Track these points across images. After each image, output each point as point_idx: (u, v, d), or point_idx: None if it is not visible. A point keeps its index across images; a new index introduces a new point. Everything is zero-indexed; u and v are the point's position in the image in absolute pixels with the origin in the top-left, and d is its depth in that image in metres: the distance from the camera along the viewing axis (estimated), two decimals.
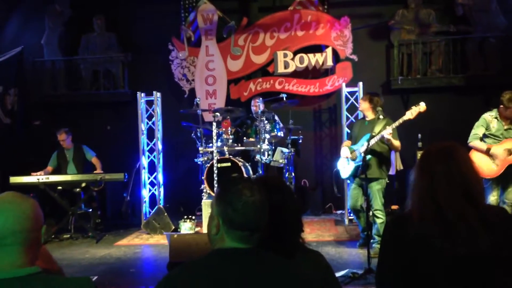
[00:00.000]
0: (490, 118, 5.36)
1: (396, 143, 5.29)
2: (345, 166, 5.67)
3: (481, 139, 5.38)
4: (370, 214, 5.40)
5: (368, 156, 5.16)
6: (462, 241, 1.83)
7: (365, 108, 5.61)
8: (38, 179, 6.80)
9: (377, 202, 5.43)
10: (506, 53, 8.17)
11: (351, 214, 7.51)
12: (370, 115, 5.56)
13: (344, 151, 5.62)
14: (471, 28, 8.37)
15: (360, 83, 7.55)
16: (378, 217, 5.44)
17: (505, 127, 5.29)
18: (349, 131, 7.32)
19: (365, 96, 5.75)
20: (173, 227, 6.90)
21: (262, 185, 2.00)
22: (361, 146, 5.35)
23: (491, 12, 8.21)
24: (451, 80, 8.34)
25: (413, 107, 5.07)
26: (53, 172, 7.32)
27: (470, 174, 1.95)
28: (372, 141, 5.10)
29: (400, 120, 5.08)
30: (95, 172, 7.18)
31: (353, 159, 5.49)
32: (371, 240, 5.38)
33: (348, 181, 6.80)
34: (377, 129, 5.17)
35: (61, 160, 7.46)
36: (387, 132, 5.05)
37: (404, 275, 1.95)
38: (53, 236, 6.86)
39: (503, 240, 1.86)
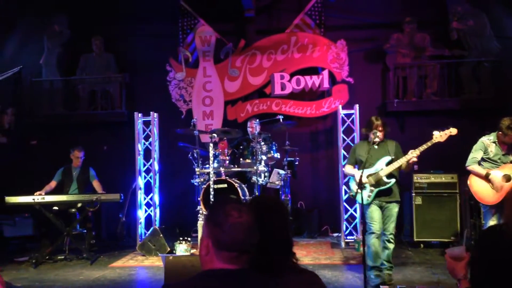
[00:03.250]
0: (488, 142, 5.37)
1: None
2: (361, 192, 4.88)
3: (479, 163, 5.39)
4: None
5: (393, 180, 5.04)
6: None
7: (383, 134, 5.17)
8: (34, 199, 6.77)
9: (394, 225, 5.13)
10: (500, 77, 8.28)
11: (347, 237, 7.50)
12: (378, 139, 5.13)
13: (360, 176, 4.84)
14: (465, 52, 8.49)
15: (356, 106, 7.61)
16: (391, 242, 5.11)
17: (503, 152, 5.30)
18: (345, 153, 7.36)
19: (384, 122, 5.19)
20: (169, 249, 6.85)
21: (254, 205, 2.03)
22: (381, 170, 5.03)
23: (485, 37, 8.34)
24: (446, 104, 8.42)
25: (445, 131, 4.93)
26: (56, 188, 7.33)
27: None
28: (396, 164, 4.97)
29: (429, 143, 4.92)
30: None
31: (373, 185, 5.06)
32: (382, 266, 5.10)
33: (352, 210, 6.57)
34: (391, 151, 5.07)
35: (66, 177, 7.52)
36: (415, 155, 4.90)
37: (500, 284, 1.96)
38: (47, 257, 6.80)
39: None
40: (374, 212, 5.09)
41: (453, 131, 4.92)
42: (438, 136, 4.92)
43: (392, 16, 8.82)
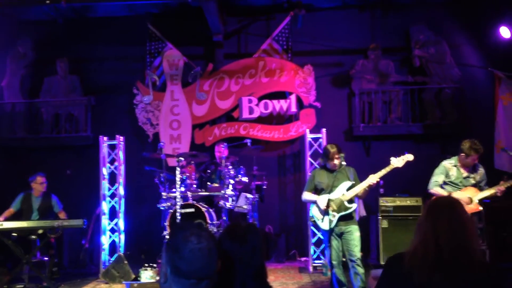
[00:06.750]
0: (449, 166, 5.50)
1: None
2: (323, 218, 5.08)
3: (441, 187, 5.50)
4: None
5: (354, 205, 5.08)
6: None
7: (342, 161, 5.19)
8: None
9: (358, 249, 5.04)
10: (461, 103, 8.56)
11: (315, 261, 7.49)
12: (336, 165, 5.17)
13: (324, 202, 5.03)
14: (427, 79, 8.76)
15: (324, 130, 7.69)
16: (360, 266, 4.99)
17: (464, 175, 5.43)
18: None
19: (339, 149, 5.17)
20: (134, 276, 6.65)
21: (226, 234, 1.99)
22: (343, 196, 5.03)
23: (446, 64, 8.64)
24: (410, 128, 8.62)
25: (401, 157, 5.02)
26: (14, 216, 7.03)
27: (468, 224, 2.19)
28: (357, 189, 4.98)
29: (388, 169, 4.98)
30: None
31: (335, 210, 5.00)
32: None
33: (320, 233, 6.56)
34: (351, 177, 5.09)
35: (26, 206, 7.12)
36: (375, 180, 4.94)
37: None
38: (5, 287, 6.49)
39: None
40: (333, 241, 5.03)
41: (409, 157, 5.00)
42: (396, 161, 4.98)
43: (357, 43, 9.03)
